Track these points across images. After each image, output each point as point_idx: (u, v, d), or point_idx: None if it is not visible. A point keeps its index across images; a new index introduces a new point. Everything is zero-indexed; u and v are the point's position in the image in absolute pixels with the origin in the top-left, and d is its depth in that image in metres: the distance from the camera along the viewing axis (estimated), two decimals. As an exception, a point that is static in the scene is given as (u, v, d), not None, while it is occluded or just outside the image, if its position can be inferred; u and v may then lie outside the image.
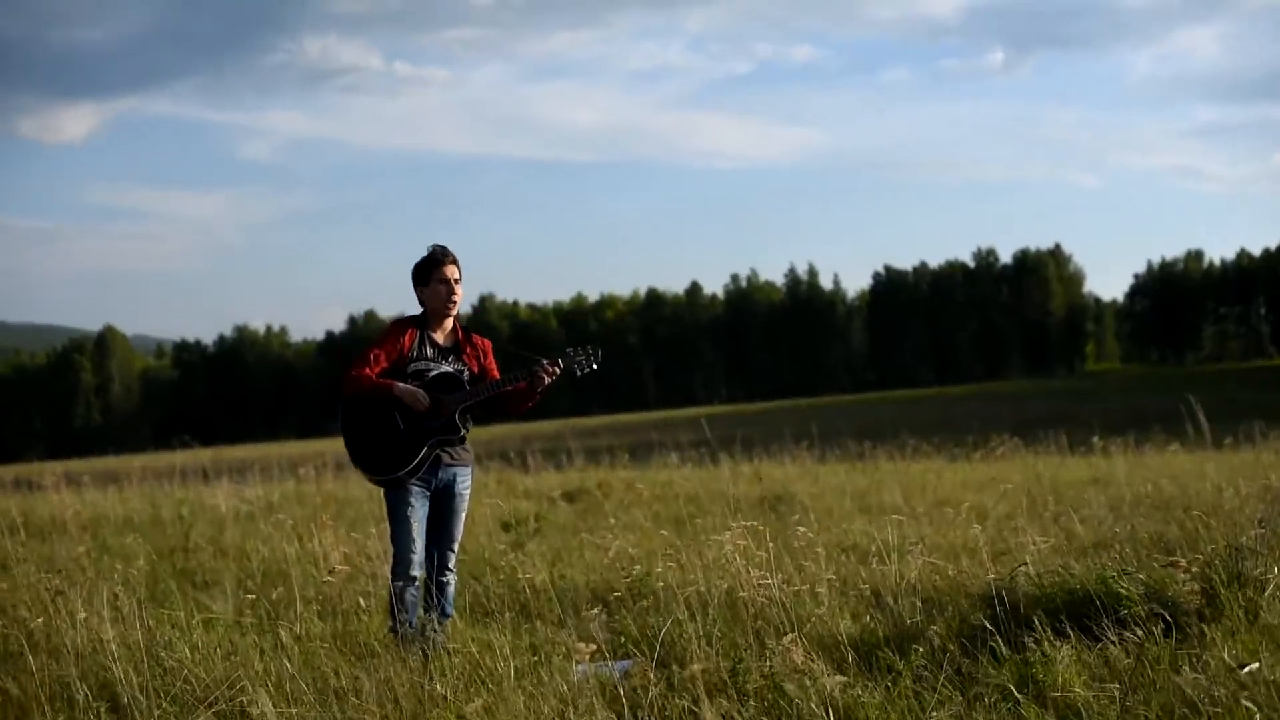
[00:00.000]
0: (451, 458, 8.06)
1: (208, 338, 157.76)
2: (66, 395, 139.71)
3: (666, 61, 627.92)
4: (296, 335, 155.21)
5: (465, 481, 8.16)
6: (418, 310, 8.18)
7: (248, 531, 13.91)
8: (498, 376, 8.14)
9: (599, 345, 8.33)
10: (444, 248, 8.12)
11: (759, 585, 7.44)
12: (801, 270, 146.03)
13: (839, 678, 6.00)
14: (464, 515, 8.18)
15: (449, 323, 8.18)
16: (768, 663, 6.24)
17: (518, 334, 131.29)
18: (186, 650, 6.93)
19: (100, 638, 7.13)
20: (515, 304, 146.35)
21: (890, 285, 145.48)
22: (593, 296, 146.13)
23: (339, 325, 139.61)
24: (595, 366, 8.19)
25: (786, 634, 6.53)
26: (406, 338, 8.06)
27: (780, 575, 7.78)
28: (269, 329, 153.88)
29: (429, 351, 8.07)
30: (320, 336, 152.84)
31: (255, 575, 10.60)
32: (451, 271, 8.05)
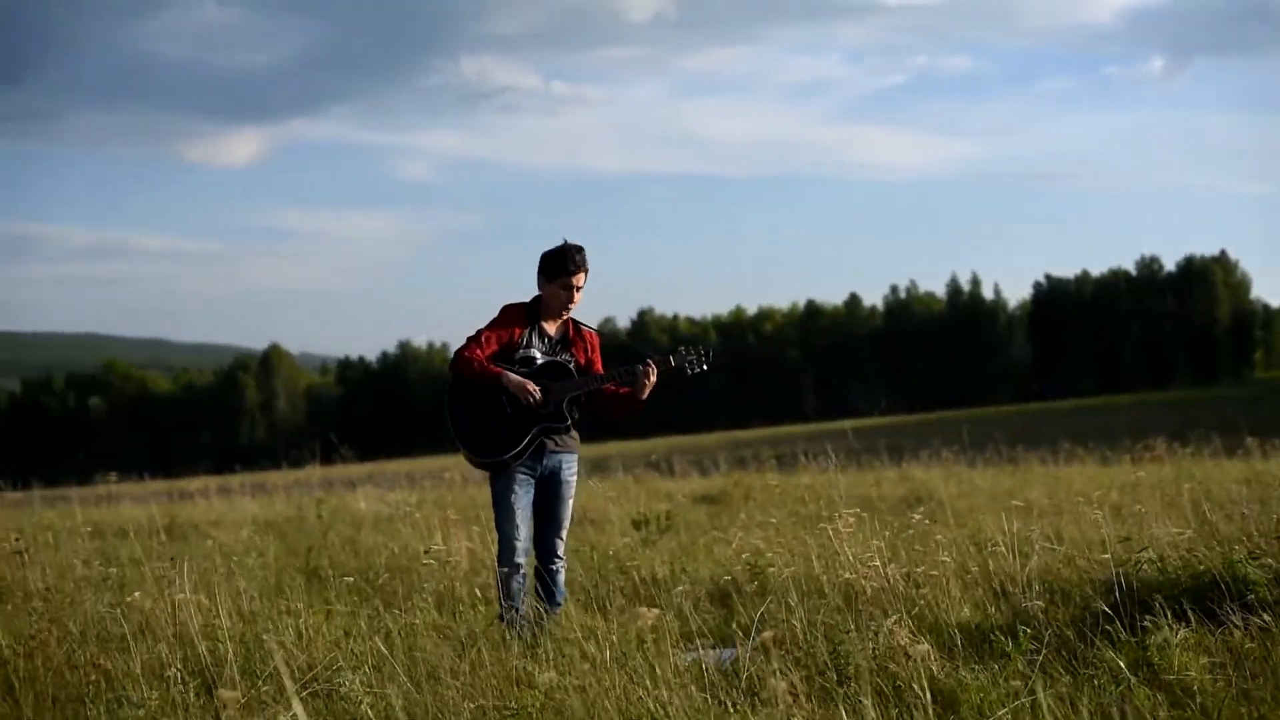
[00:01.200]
0: (556, 444, 7.99)
1: (371, 355, 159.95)
2: (233, 412, 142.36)
3: (822, 74, 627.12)
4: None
5: (571, 469, 8.08)
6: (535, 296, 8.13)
7: (383, 532, 13.98)
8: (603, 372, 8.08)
9: (710, 348, 8.20)
10: (578, 252, 8.01)
11: (866, 569, 7.28)
12: (964, 280, 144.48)
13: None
14: (571, 503, 8.11)
15: (563, 314, 8.12)
16: (870, 644, 6.09)
17: (676, 347, 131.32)
18: (292, 634, 6.93)
19: (207, 623, 7.17)
20: (675, 317, 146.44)
21: (1052, 294, 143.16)
22: (751, 309, 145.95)
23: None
24: (706, 367, 8.09)
25: (890, 617, 6.35)
26: (518, 324, 8.01)
27: (895, 564, 7.62)
28: (430, 345, 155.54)
29: (539, 341, 8.02)
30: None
31: (380, 571, 10.62)
32: (578, 280, 7.98)
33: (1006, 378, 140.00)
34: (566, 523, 8.11)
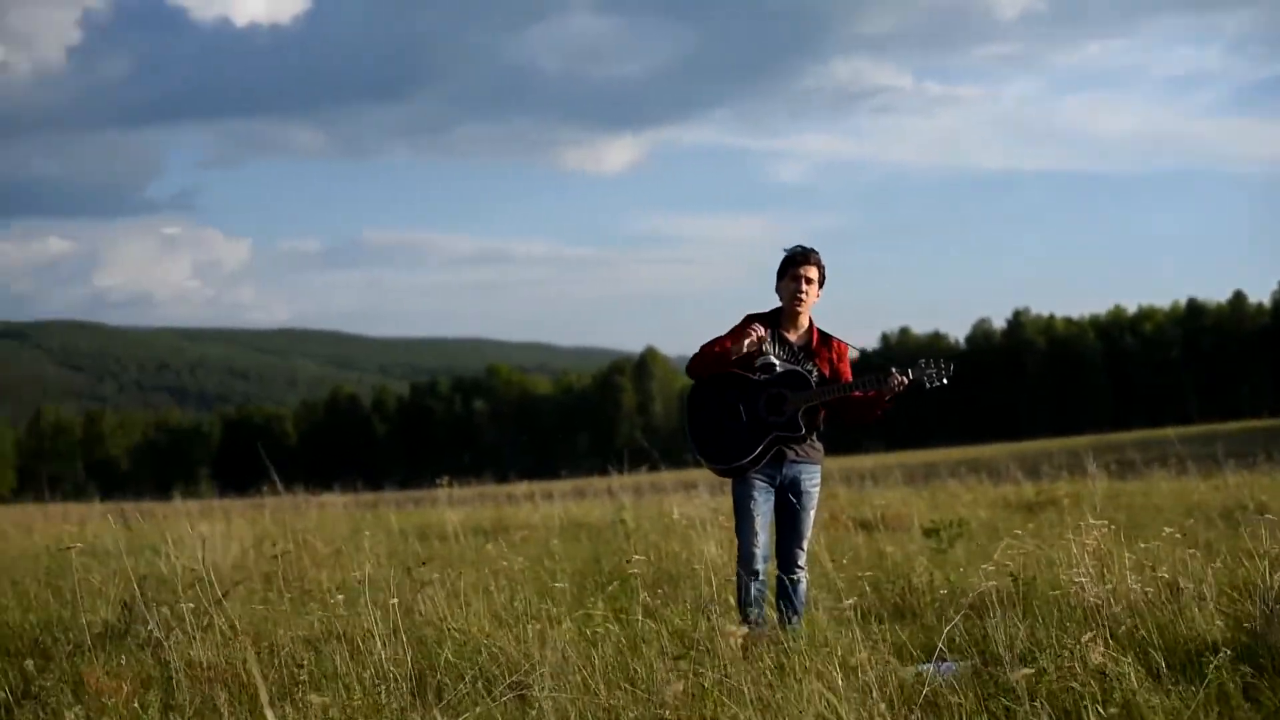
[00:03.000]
0: (796, 454, 7.98)
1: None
2: (610, 415, 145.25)
3: (1203, 66, 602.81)
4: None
5: (812, 480, 8.05)
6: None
7: (680, 539, 14.11)
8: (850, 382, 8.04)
9: (953, 360, 8.07)
10: (806, 248, 8.06)
11: (1076, 582, 7.07)
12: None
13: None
14: (812, 513, 8.07)
15: (804, 322, 8.10)
16: (1065, 661, 5.92)
17: (1053, 348, 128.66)
18: (511, 639, 7.12)
19: (448, 625, 7.43)
20: (1051, 318, 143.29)
21: None
22: (1131, 308, 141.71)
23: (871, 343, 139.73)
24: (945, 381, 7.96)
25: (1087, 633, 6.15)
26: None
27: (1139, 576, 7.37)
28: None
29: (779, 349, 8.04)
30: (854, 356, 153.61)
31: (656, 576, 10.75)
32: (807, 271, 7.99)
33: None
34: (807, 533, 8.08)
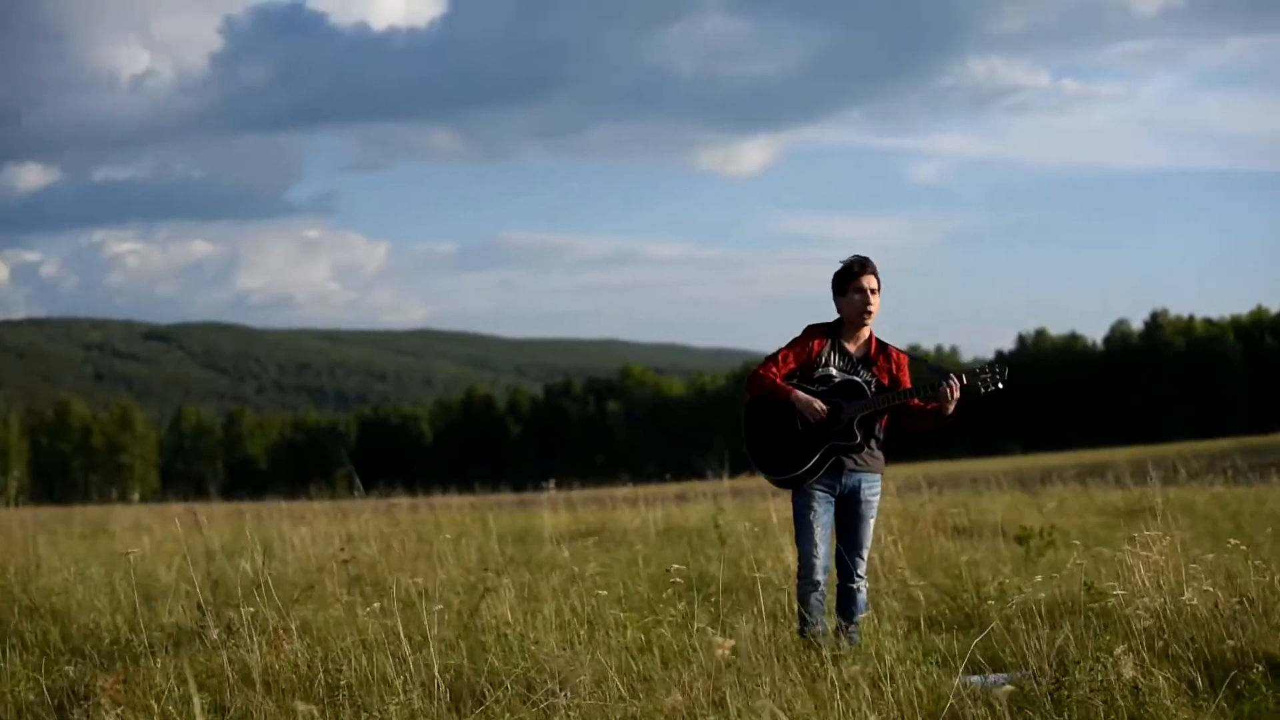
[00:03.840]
0: (855, 464, 7.99)
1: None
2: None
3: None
4: (966, 355, 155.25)
5: (871, 489, 8.06)
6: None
7: (775, 545, 14.09)
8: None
9: (1006, 368, 8.00)
10: (862, 258, 8.07)
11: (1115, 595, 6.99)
12: None
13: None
14: (872, 522, 8.08)
15: (864, 333, 8.11)
16: (1097, 675, 5.87)
17: (1192, 350, 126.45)
18: (553, 644, 7.19)
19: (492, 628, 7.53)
20: (1190, 319, 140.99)
21: None
22: (1274, 309, 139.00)
23: (1008, 344, 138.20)
24: (1000, 386, 7.92)
25: (1118, 646, 6.10)
26: (816, 344, 8.06)
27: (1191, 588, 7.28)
28: (938, 349, 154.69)
29: (838, 360, 8.04)
30: (989, 356, 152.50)
31: (736, 583, 10.75)
32: (868, 282, 7.99)
33: None
34: (867, 542, 8.09)
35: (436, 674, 6.64)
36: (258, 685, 6.75)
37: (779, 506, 17.97)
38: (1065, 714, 5.58)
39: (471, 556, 12.62)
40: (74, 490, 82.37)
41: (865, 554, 8.09)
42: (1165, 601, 7.21)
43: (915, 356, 8.26)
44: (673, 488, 23.55)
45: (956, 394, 7.83)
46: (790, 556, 10.95)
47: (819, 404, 7.85)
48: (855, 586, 8.04)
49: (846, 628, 7.90)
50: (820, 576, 7.92)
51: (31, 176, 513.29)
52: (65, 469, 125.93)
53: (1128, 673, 5.81)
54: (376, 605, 8.24)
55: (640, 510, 18.40)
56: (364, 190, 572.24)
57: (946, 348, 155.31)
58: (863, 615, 8.08)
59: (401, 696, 6.43)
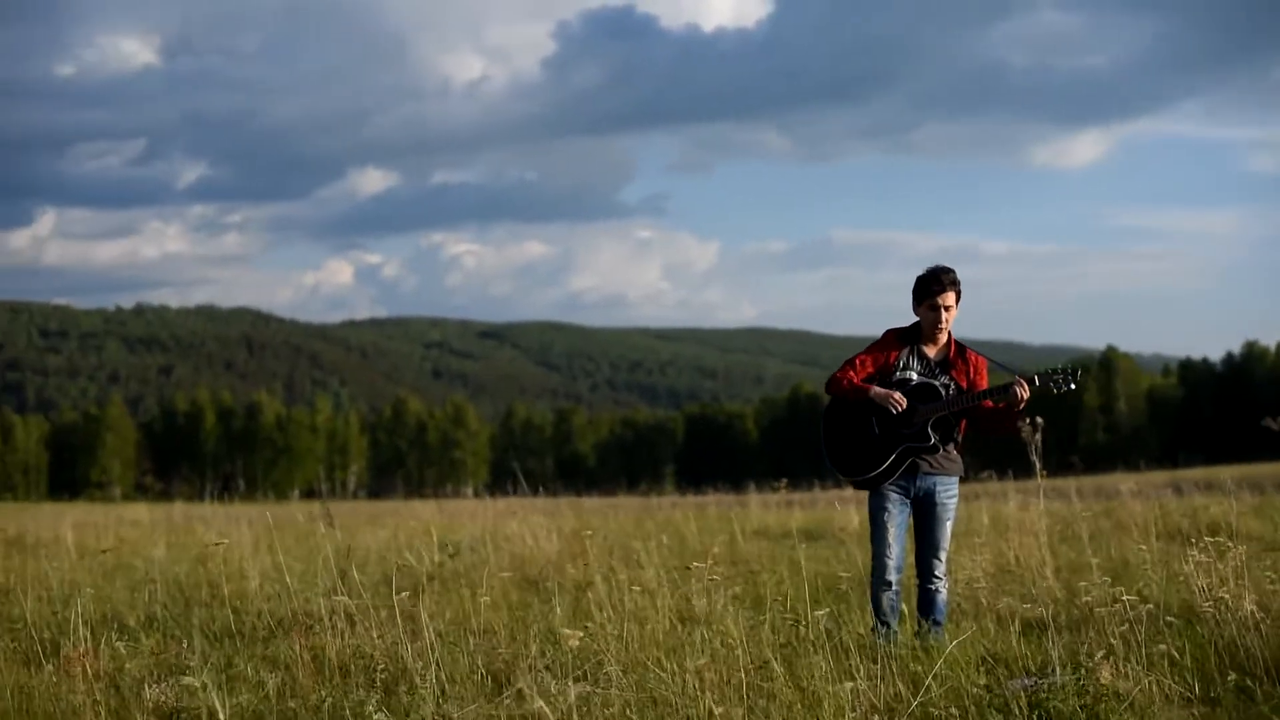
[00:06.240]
0: (931, 466, 8.11)
1: (1215, 355, 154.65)
2: (1070, 413, 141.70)
3: None
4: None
5: (947, 491, 8.17)
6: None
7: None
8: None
9: (1080, 368, 8.07)
10: (943, 273, 8.17)
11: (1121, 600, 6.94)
12: None
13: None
14: (949, 524, 8.19)
15: (943, 338, 8.24)
16: (1080, 681, 5.91)
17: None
18: (602, 635, 7.48)
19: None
20: None
21: None
22: None
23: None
24: (1074, 386, 7.97)
25: (1098, 652, 6.11)
26: (894, 348, 8.21)
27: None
28: (1279, 346, 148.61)
29: (916, 364, 8.18)
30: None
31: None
32: (945, 299, 8.11)
33: None
34: (944, 544, 8.20)
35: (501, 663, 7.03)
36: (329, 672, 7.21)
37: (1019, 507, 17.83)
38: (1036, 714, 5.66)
39: (655, 556, 12.87)
40: (409, 484, 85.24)
41: (943, 556, 8.21)
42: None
43: (992, 360, 8.32)
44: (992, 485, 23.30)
45: (1026, 395, 7.89)
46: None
47: (898, 395, 7.99)
48: (934, 588, 8.16)
49: (929, 629, 8.01)
50: (893, 577, 8.08)
51: (372, 181, 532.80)
52: (401, 464, 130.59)
53: (1105, 677, 5.85)
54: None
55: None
56: (694, 190, 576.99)
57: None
58: (944, 616, 8.18)
59: (440, 684, 6.83)
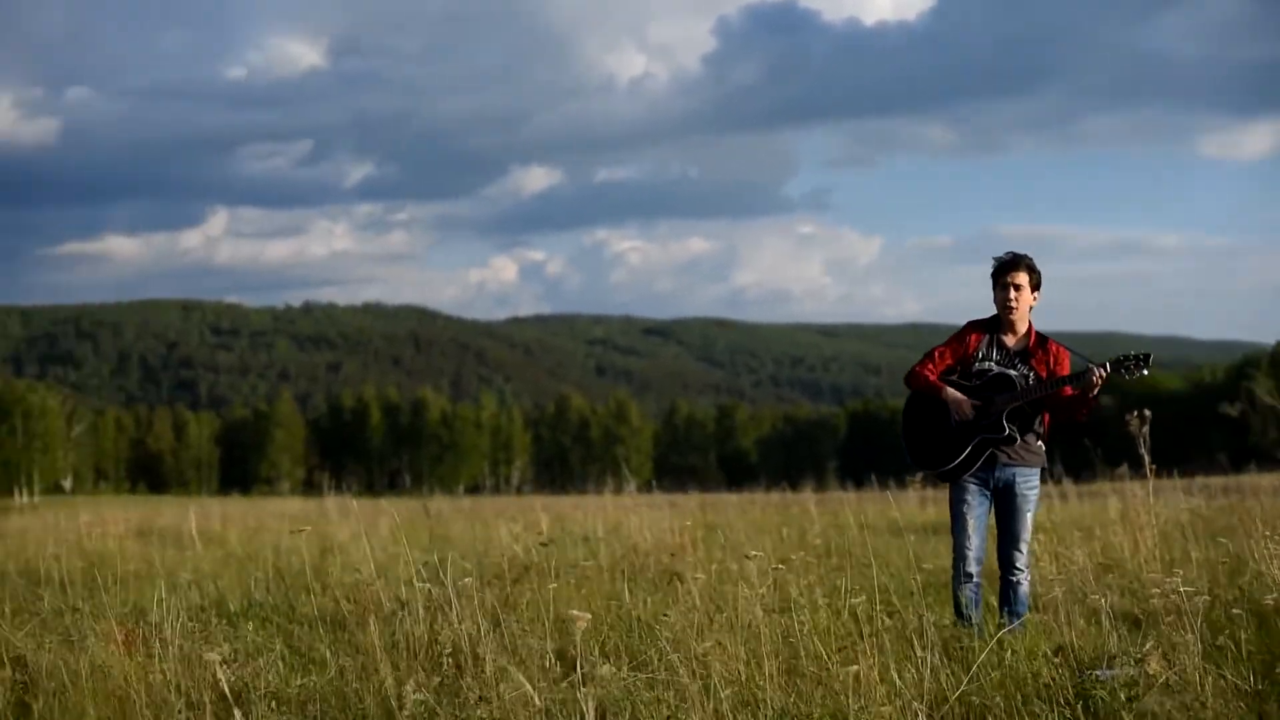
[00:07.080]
0: (1010, 457, 8.09)
1: None
2: (1242, 411, 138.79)
3: None
4: None
5: (1027, 482, 8.13)
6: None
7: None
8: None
9: (1149, 354, 7.99)
10: (1014, 256, 8.19)
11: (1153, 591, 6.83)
12: None
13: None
14: (1029, 516, 8.16)
15: (1022, 327, 8.21)
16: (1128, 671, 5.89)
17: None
18: (663, 629, 7.56)
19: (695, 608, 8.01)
20: None
21: None
22: None
23: None
24: (1145, 371, 7.93)
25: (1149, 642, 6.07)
26: (973, 339, 8.22)
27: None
28: None
29: (995, 354, 8.17)
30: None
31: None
32: (1015, 278, 8.11)
33: None
34: (1025, 535, 8.16)
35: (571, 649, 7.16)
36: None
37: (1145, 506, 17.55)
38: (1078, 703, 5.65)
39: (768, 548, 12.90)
40: (572, 480, 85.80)
41: (1024, 547, 8.17)
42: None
43: (1073, 350, 8.26)
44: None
45: (1099, 381, 7.86)
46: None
47: (967, 405, 8.02)
48: (1016, 579, 8.14)
49: (1010, 621, 7.96)
50: (973, 569, 8.07)
51: (536, 179, 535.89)
52: (564, 460, 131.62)
53: (1153, 667, 5.81)
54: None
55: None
56: (856, 185, 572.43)
57: None
58: (1026, 608, 8.15)
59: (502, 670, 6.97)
